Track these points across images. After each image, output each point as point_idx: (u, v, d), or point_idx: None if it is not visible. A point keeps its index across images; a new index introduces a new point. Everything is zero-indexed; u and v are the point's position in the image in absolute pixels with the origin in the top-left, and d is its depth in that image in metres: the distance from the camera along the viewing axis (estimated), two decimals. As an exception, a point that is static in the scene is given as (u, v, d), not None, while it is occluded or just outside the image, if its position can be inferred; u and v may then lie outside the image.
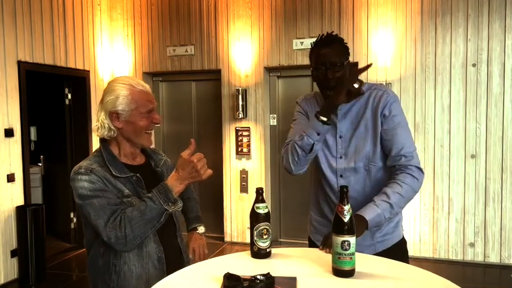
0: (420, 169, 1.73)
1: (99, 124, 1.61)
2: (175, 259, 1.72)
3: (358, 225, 1.49)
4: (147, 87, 1.66)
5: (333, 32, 1.85)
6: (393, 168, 1.75)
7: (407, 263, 1.70)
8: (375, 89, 1.80)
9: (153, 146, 1.85)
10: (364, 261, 1.46)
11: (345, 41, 1.82)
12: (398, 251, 1.81)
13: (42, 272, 4.17)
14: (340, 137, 1.81)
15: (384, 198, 1.65)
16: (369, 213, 1.61)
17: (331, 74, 1.73)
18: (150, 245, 1.61)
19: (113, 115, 1.58)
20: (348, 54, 1.80)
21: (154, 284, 1.36)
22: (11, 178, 4.09)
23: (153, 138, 1.93)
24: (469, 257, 4.41)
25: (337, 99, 1.67)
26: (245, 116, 5.00)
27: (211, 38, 5.14)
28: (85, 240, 1.69)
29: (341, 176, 1.82)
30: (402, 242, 1.89)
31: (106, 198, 1.53)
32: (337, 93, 1.67)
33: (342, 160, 1.81)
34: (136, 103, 1.59)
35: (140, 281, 1.59)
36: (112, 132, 1.61)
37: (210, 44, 5.15)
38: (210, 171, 1.54)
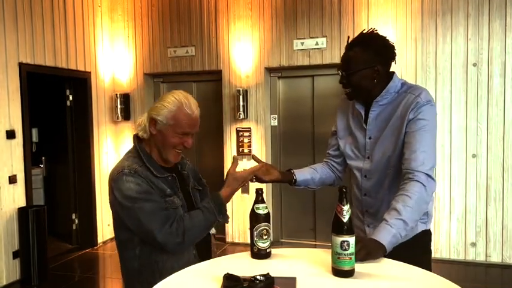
0: (429, 176, 1.61)
1: (140, 121, 1.70)
2: (205, 253, 1.81)
3: (374, 252, 1.47)
4: (196, 113, 1.68)
5: (364, 30, 1.80)
6: (403, 172, 1.65)
7: (427, 258, 1.72)
8: (409, 92, 1.74)
9: None
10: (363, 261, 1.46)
11: (378, 42, 1.77)
12: (415, 245, 1.71)
13: (44, 273, 4.17)
14: (370, 138, 1.81)
15: (396, 216, 1.53)
16: (385, 236, 1.50)
17: (341, 78, 1.77)
18: None
19: (152, 120, 1.66)
20: (377, 58, 1.76)
21: None
22: (12, 179, 4.10)
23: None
24: (470, 257, 4.40)
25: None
26: (246, 116, 5.01)
27: (211, 38, 5.15)
28: (117, 242, 1.73)
29: (365, 176, 1.83)
30: (420, 236, 1.77)
31: (155, 202, 1.59)
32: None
33: (368, 161, 1.81)
34: (175, 121, 1.64)
35: None
36: (145, 135, 1.69)
37: (210, 45, 5.15)
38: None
